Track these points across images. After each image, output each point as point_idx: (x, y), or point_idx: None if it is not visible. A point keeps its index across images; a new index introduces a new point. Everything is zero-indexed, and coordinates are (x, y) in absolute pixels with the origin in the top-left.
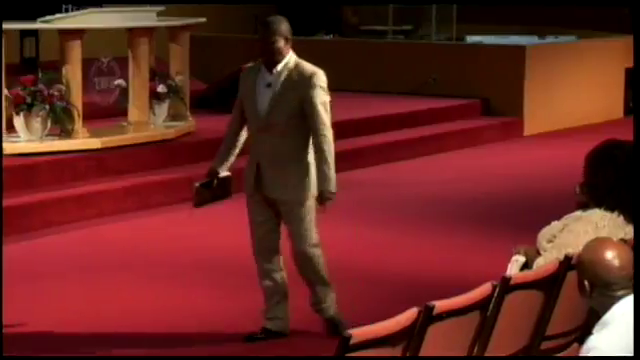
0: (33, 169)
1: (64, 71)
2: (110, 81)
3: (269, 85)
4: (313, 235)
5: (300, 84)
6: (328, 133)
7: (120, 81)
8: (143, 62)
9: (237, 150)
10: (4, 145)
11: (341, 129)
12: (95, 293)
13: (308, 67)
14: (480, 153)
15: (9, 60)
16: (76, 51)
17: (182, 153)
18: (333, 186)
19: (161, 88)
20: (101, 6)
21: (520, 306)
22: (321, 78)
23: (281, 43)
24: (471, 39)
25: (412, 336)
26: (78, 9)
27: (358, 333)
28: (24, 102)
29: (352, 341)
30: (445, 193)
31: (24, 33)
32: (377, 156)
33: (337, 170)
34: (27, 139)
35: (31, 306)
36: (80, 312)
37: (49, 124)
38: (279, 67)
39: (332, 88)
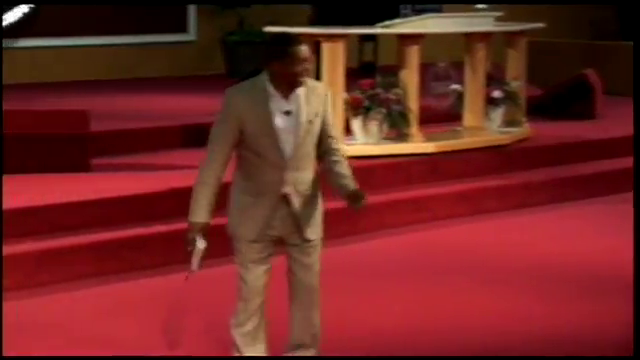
0: (369, 171)
1: (401, 75)
2: (446, 86)
3: (288, 113)
4: None
5: (318, 104)
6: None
7: (456, 86)
8: (479, 67)
9: None
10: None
11: None
12: (427, 295)
13: (315, 82)
14: None
15: (348, 64)
16: (414, 56)
17: (517, 159)
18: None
19: (497, 93)
20: (440, 11)
21: None
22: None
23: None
24: None
25: None
26: (417, 14)
27: None
28: (362, 105)
29: None
30: None
31: (363, 38)
32: None
33: None
34: (364, 142)
35: (362, 304)
36: (411, 312)
37: (385, 127)
38: (299, 90)
39: None
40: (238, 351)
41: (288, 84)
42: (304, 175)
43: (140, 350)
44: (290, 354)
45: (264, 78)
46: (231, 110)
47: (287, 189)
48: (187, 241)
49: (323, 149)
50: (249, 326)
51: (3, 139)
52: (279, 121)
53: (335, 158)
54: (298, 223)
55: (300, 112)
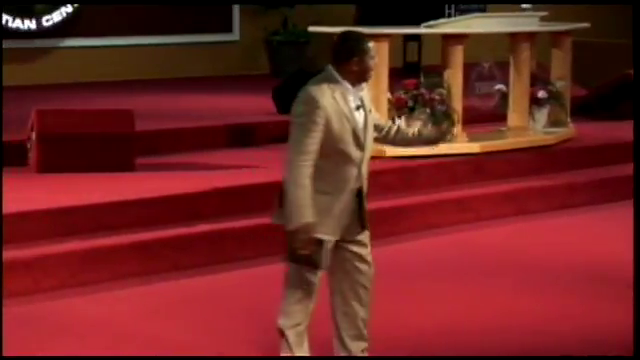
0: (413, 172)
1: (446, 75)
2: (490, 86)
3: (359, 108)
4: None
5: (369, 96)
6: None
7: (501, 86)
8: (524, 67)
9: None
10: (386, 148)
11: None
12: (471, 295)
13: None
14: None
15: (392, 64)
16: (458, 56)
17: (561, 159)
18: None
19: (541, 94)
20: (484, 10)
21: None
22: None
23: None
24: None
25: None
26: (461, 14)
27: None
28: (406, 105)
29: None
30: None
31: (407, 37)
32: None
33: None
34: None
35: (405, 305)
36: (455, 312)
37: (429, 128)
38: (362, 85)
39: None
40: (290, 350)
41: (358, 80)
42: (364, 171)
43: (183, 350)
44: (351, 347)
45: (335, 75)
46: (319, 110)
47: (360, 183)
48: (300, 243)
49: (380, 129)
50: (304, 325)
51: (43, 139)
52: (357, 116)
53: (393, 127)
54: (363, 216)
55: (366, 106)
